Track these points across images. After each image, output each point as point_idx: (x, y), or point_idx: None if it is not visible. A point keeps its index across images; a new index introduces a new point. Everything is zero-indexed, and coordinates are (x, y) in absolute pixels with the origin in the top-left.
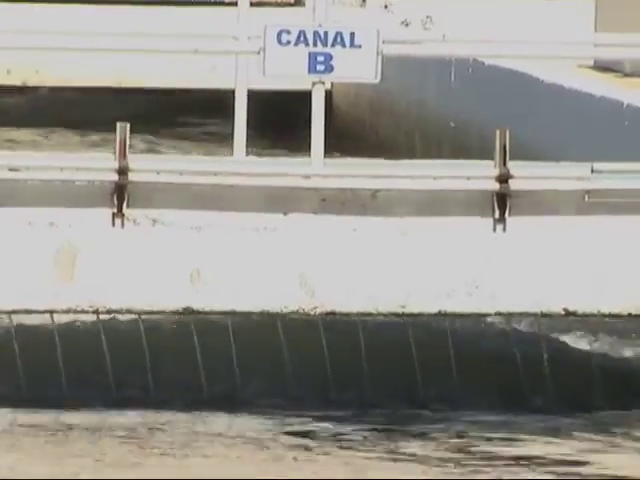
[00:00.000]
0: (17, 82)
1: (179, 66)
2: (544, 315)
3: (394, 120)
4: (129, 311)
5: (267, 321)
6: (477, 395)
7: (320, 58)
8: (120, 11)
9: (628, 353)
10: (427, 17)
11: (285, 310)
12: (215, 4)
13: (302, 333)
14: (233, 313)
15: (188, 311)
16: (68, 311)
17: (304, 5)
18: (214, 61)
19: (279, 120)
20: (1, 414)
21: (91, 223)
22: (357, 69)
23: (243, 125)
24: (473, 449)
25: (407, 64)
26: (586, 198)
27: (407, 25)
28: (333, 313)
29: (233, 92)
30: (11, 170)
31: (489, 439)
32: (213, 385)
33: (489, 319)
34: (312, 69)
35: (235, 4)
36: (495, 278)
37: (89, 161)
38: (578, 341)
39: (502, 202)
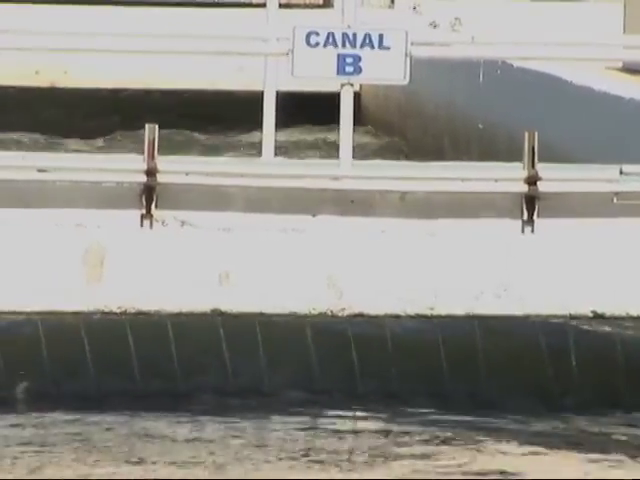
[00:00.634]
0: (45, 83)
1: (207, 67)
2: (572, 317)
3: (422, 122)
4: (157, 312)
5: (295, 323)
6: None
7: (349, 60)
8: (149, 12)
9: None
10: (456, 19)
11: (313, 312)
12: (244, 5)
13: (330, 335)
14: (261, 315)
15: (216, 313)
16: (96, 312)
17: (333, 6)
18: (242, 62)
19: None
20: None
21: (119, 224)
22: (385, 71)
23: (272, 127)
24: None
25: (436, 66)
26: (615, 200)
27: (436, 27)
28: (361, 315)
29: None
30: (39, 171)
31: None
32: (241, 388)
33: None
34: (341, 71)
35: (264, 5)
36: (523, 280)
37: (117, 162)
38: None
39: (531, 204)
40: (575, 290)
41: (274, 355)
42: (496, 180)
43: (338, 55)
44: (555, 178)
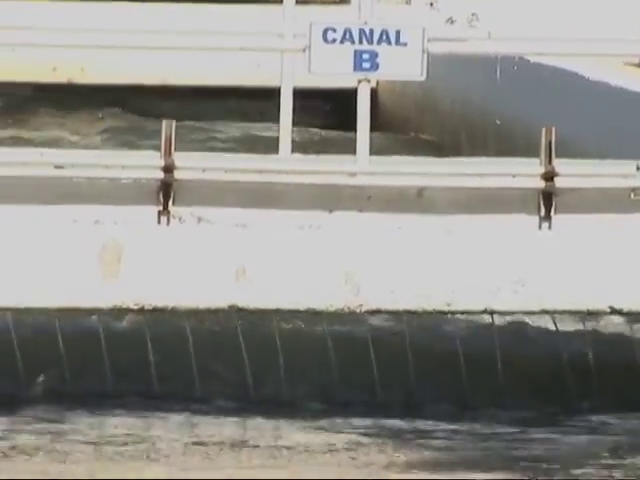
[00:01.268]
0: (63, 79)
1: (225, 64)
2: (590, 313)
3: (439, 118)
4: (174, 309)
5: (312, 319)
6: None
7: (365, 56)
8: (165, 8)
9: None
10: (473, 14)
11: (330, 308)
12: (260, 2)
13: (347, 331)
14: (278, 311)
15: (233, 309)
16: (113, 309)
17: (349, 3)
18: (259, 59)
19: None
20: None
21: (136, 221)
22: (402, 67)
23: (289, 123)
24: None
25: (453, 62)
26: (632, 196)
27: (453, 23)
28: (379, 311)
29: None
30: (56, 167)
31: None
32: (259, 384)
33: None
34: (357, 67)
35: (280, 2)
36: (541, 276)
37: (135, 159)
38: None
39: (548, 200)
40: (592, 286)
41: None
42: (513, 176)
43: (355, 51)
44: (572, 174)
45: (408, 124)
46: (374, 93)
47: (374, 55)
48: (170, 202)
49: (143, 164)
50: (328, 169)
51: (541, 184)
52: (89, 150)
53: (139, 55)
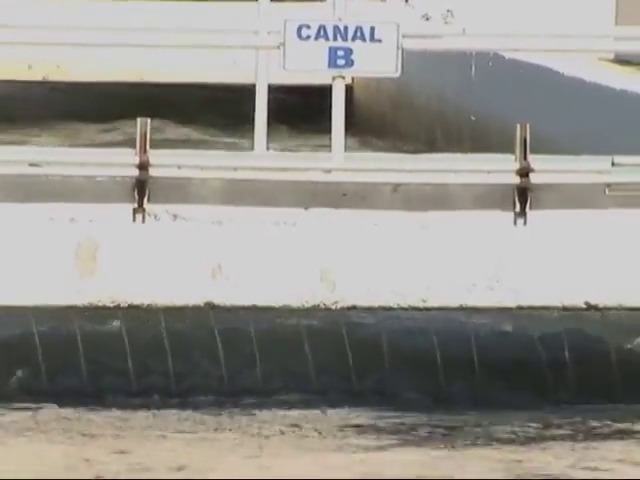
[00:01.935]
0: (38, 77)
1: (199, 61)
2: (565, 309)
3: (414, 114)
4: (150, 306)
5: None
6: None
7: (340, 52)
8: (141, 6)
9: None
10: (448, 11)
11: (306, 305)
12: None
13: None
14: (254, 308)
15: (210, 306)
16: (89, 306)
17: (324, 0)
18: (234, 56)
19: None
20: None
21: (112, 218)
22: (377, 63)
23: (264, 119)
24: None
25: (428, 58)
26: (607, 191)
27: (428, 19)
28: (354, 307)
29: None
30: (31, 165)
31: None
32: (235, 380)
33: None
34: (332, 63)
35: None
36: (516, 272)
37: (110, 156)
38: None
39: (523, 196)
40: (568, 282)
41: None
42: (488, 172)
43: (329, 48)
44: (547, 170)
45: (383, 120)
46: (349, 89)
47: (349, 52)
48: (145, 199)
49: (118, 162)
50: (303, 166)
51: (516, 180)
52: (64, 147)
53: (115, 52)
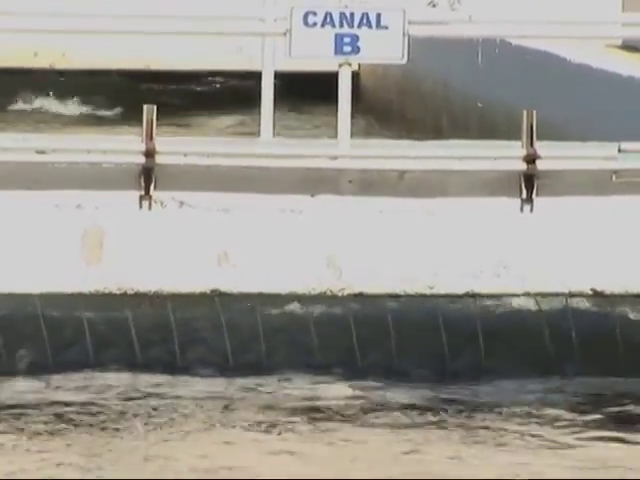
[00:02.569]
0: (44, 65)
1: (206, 48)
2: (572, 295)
3: (421, 101)
4: (157, 293)
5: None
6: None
7: (346, 39)
8: None
9: None
10: None
11: (313, 292)
12: None
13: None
14: (261, 295)
15: (216, 293)
16: (95, 293)
17: None
18: (241, 43)
19: None
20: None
21: (118, 206)
22: (384, 50)
23: (270, 106)
24: None
25: (434, 44)
26: (613, 178)
27: (434, 6)
28: (361, 294)
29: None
30: (38, 153)
31: None
32: (240, 366)
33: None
34: (338, 50)
35: None
36: (523, 259)
37: (116, 143)
38: None
39: (529, 182)
40: (574, 268)
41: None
42: (495, 158)
43: (336, 35)
44: (553, 156)
45: (390, 106)
46: (356, 76)
47: (355, 38)
48: (152, 187)
49: (124, 149)
50: (309, 153)
51: (523, 167)
52: (71, 135)
53: (121, 40)
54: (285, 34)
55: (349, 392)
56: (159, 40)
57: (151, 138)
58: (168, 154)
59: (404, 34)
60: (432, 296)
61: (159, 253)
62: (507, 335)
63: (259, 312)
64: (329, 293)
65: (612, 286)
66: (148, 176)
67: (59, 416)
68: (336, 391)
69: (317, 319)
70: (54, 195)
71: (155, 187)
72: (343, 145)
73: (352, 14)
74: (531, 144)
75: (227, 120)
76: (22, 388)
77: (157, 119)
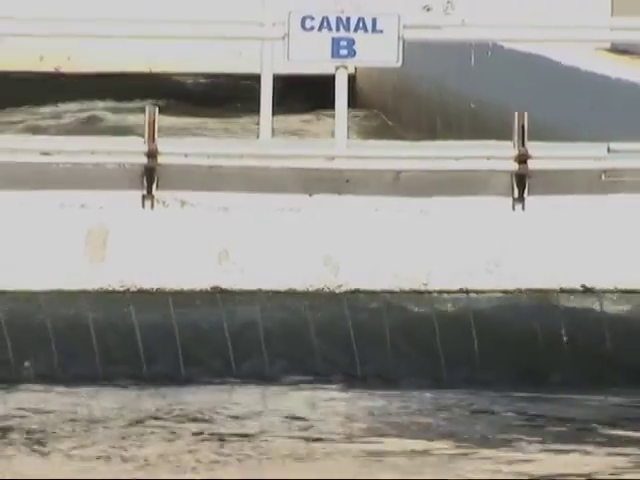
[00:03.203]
0: (50, 68)
1: (207, 52)
2: (562, 291)
3: (416, 102)
4: (159, 290)
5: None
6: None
7: (343, 43)
8: None
9: None
10: (448, 2)
11: (310, 289)
12: None
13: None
14: (260, 292)
15: (217, 290)
16: (100, 291)
17: None
18: (241, 47)
19: None
20: None
21: (121, 205)
22: (379, 54)
23: (269, 108)
24: None
25: (428, 48)
26: (603, 177)
27: (428, 10)
28: (357, 291)
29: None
30: (43, 154)
31: None
32: (240, 362)
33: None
34: (335, 54)
35: None
36: (515, 256)
37: (119, 144)
38: None
39: (521, 182)
40: (565, 265)
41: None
42: (487, 158)
43: (332, 39)
44: (545, 156)
45: (386, 109)
46: (352, 80)
47: (351, 42)
48: (154, 186)
49: (127, 150)
50: (307, 153)
51: (514, 166)
52: (74, 136)
53: (124, 44)
54: (283, 38)
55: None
56: (162, 44)
57: (153, 139)
58: (170, 155)
59: (399, 38)
60: (426, 292)
61: (161, 251)
62: None
63: (259, 309)
64: (326, 290)
65: (602, 283)
66: (150, 176)
67: None
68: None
69: (315, 315)
70: (59, 195)
71: (157, 187)
72: (340, 146)
73: (348, 19)
74: (522, 144)
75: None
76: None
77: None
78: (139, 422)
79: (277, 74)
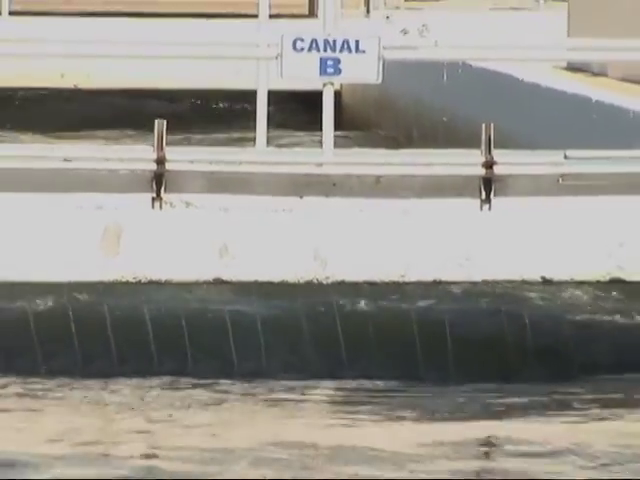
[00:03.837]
0: (70, 85)
1: (210, 70)
2: (525, 282)
3: (395, 115)
4: (168, 281)
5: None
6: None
7: (330, 62)
8: (159, 23)
9: None
10: (423, 26)
11: (301, 280)
12: (240, 16)
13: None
14: (256, 283)
15: (218, 281)
16: (114, 282)
17: (316, 16)
18: (239, 66)
19: None
20: None
21: (134, 206)
22: (362, 72)
23: (264, 120)
24: None
25: (406, 67)
26: (560, 181)
27: (406, 33)
28: (343, 282)
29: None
30: (65, 160)
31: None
32: (240, 346)
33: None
34: (323, 72)
35: (256, 16)
36: (482, 251)
37: (131, 152)
38: None
39: (488, 185)
40: (527, 259)
41: None
42: (458, 165)
43: (320, 59)
44: (509, 162)
45: (368, 121)
46: (338, 95)
47: (337, 62)
48: (162, 190)
49: (139, 157)
50: (298, 160)
51: (482, 172)
52: (92, 145)
53: (136, 63)
54: (277, 58)
55: None
56: (169, 63)
57: (162, 148)
58: (176, 161)
59: (379, 58)
60: (404, 283)
61: (169, 247)
62: None
63: (255, 299)
64: (315, 281)
65: (559, 274)
66: (159, 181)
67: None
68: None
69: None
70: (78, 197)
71: (165, 190)
72: (327, 153)
73: (334, 41)
74: (489, 152)
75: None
76: None
77: None
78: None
79: (271, 89)
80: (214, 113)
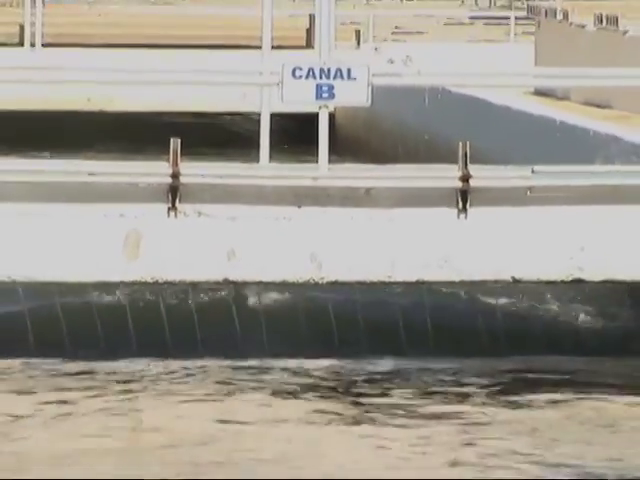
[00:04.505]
0: (95, 108)
1: (219, 94)
2: (497, 282)
3: (382, 134)
4: (181, 281)
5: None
6: None
7: (325, 88)
8: (174, 53)
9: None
10: (407, 56)
11: (300, 280)
12: (245, 47)
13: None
14: (260, 283)
15: (226, 281)
16: (134, 282)
17: (313, 47)
18: (245, 91)
19: None
20: None
21: (152, 215)
22: (353, 96)
23: (267, 139)
24: None
25: (392, 92)
26: (528, 193)
27: (392, 62)
28: (336, 282)
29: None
30: (90, 175)
31: None
32: (246, 336)
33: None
34: (319, 96)
35: (260, 47)
36: (459, 254)
37: (149, 167)
38: None
39: (464, 196)
40: (499, 261)
41: None
42: (438, 178)
43: (316, 85)
44: (483, 176)
45: (358, 140)
46: (332, 117)
47: (331, 87)
48: (177, 200)
49: (156, 172)
50: (297, 174)
51: (459, 184)
52: (114, 161)
53: (154, 89)
54: (278, 84)
55: None
56: (183, 88)
57: (176, 164)
58: (190, 176)
59: (369, 84)
60: (390, 283)
61: (183, 251)
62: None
63: (258, 296)
64: (312, 281)
65: (527, 275)
66: (174, 192)
67: None
68: None
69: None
70: (102, 207)
71: (180, 201)
72: (322, 169)
73: (329, 69)
74: (465, 167)
75: None
76: None
77: None
78: None
79: (273, 112)
80: (222, 132)
